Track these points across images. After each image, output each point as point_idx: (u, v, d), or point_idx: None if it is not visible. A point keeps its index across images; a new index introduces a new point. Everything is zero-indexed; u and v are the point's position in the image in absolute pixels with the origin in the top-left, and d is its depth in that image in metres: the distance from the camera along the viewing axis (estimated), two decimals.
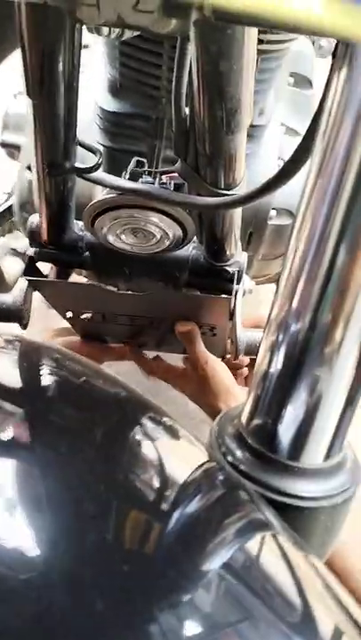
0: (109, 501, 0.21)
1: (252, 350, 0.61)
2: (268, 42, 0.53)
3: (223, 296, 0.59)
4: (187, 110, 0.43)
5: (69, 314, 0.66)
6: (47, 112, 0.44)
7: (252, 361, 0.72)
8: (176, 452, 0.27)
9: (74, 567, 0.18)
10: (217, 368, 0.61)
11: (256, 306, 1.35)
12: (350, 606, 0.20)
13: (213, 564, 0.20)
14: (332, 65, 0.27)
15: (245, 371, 0.71)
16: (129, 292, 0.58)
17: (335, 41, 0.25)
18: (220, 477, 0.25)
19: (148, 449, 0.25)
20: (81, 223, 0.59)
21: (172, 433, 0.27)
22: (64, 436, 0.24)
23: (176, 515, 0.21)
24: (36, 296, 0.63)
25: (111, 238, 0.54)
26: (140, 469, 0.24)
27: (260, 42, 0.49)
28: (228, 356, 0.72)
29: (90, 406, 0.28)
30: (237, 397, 0.60)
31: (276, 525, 0.23)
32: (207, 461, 0.26)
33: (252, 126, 0.61)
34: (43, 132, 0.45)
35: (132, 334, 0.68)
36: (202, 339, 0.66)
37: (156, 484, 0.23)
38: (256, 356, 0.63)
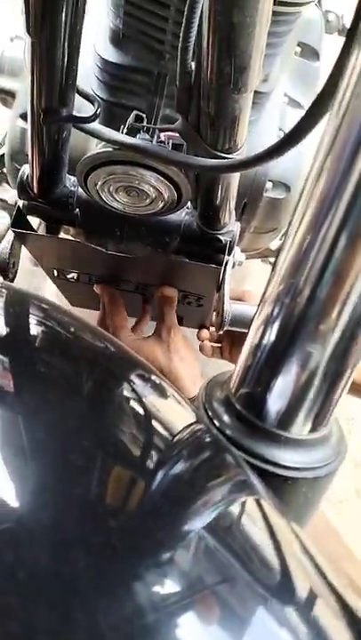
0: (92, 457, 0.20)
1: (237, 323, 0.60)
2: (281, 2, 0.51)
3: (213, 265, 0.58)
4: (193, 65, 0.41)
5: (55, 273, 0.64)
6: (46, 53, 0.41)
7: (234, 334, 0.72)
8: (164, 412, 0.26)
9: (51, 522, 0.17)
10: (185, 337, 0.62)
11: (241, 280, 1.35)
12: (331, 574, 0.20)
13: (195, 524, 0.19)
14: (350, 36, 0.25)
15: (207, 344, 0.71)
16: (117, 254, 0.56)
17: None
18: (207, 439, 0.24)
19: (135, 406, 0.24)
20: (73, 178, 0.57)
21: (161, 392, 0.26)
22: (48, 389, 0.23)
23: (161, 473, 0.20)
24: (24, 254, 0.61)
25: (104, 195, 0.52)
26: (126, 425, 0.23)
27: (274, 2, 0.46)
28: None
29: (77, 360, 0.27)
30: (197, 372, 0.60)
31: (261, 490, 0.22)
32: (195, 422, 0.25)
33: (255, 93, 0.59)
34: (40, 75, 0.43)
35: None
36: (188, 309, 0.65)
37: (142, 441, 0.22)
38: (240, 328, 0.62)
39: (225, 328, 0.58)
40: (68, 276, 0.64)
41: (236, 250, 0.59)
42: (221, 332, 0.60)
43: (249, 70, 0.38)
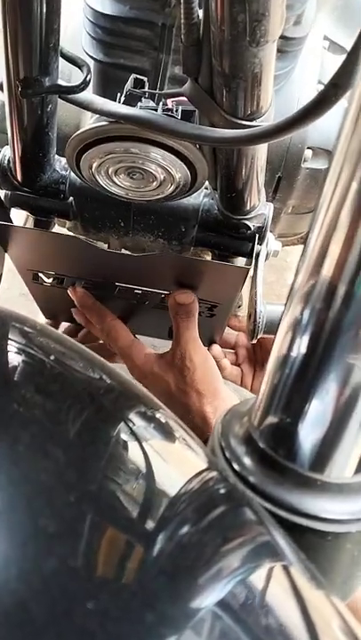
0: (79, 517, 0.20)
1: (275, 329, 0.60)
2: None
3: (239, 265, 0.57)
4: (200, 13, 0.41)
5: (31, 276, 0.63)
6: (20, 11, 0.41)
7: (257, 356, 0.71)
8: (169, 457, 0.26)
9: (23, 600, 0.17)
10: (208, 361, 0.60)
11: (281, 273, 1.34)
12: None
13: (207, 601, 0.19)
14: None
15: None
16: (117, 252, 0.56)
17: None
18: (222, 491, 0.24)
19: (133, 450, 0.24)
20: (64, 160, 0.57)
21: (165, 431, 0.26)
22: (27, 430, 0.24)
23: (163, 537, 0.20)
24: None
25: (101, 179, 0.52)
26: (121, 477, 0.23)
27: None
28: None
29: (64, 393, 0.27)
30: (226, 402, 0.58)
31: (289, 554, 0.22)
32: (206, 469, 0.25)
33: (284, 39, 0.59)
34: (15, 38, 0.43)
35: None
36: None
37: (141, 496, 0.22)
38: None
39: (259, 335, 0.57)
40: (47, 280, 0.64)
41: (270, 237, 0.58)
42: (253, 341, 0.59)
43: (268, 16, 0.37)
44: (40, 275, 0.63)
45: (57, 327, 0.73)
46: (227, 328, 0.70)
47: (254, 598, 0.19)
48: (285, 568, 0.21)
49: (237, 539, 0.21)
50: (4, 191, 0.57)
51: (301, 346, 0.25)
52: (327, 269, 0.24)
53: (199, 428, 0.57)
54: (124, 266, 0.57)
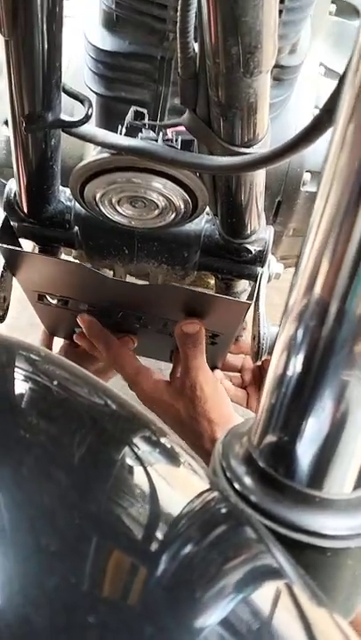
0: (82, 536, 0.21)
1: None
2: None
3: (240, 300, 0.58)
4: (196, 47, 0.42)
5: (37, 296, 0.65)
6: (23, 51, 0.43)
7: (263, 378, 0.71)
8: (171, 478, 0.26)
9: (23, 622, 0.17)
10: (218, 388, 0.60)
11: (286, 295, 1.33)
12: None
13: (208, 620, 0.19)
14: None
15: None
16: (121, 280, 0.57)
17: None
18: (223, 510, 0.24)
19: (135, 472, 0.25)
20: (69, 191, 0.58)
21: (168, 454, 0.27)
22: (33, 454, 0.24)
23: (165, 557, 0.21)
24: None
25: (105, 209, 0.53)
26: (123, 498, 0.23)
27: None
28: None
29: (69, 419, 0.27)
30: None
31: (289, 572, 0.22)
32: (207, 490, 0.25)
33: (280, 67, 0.60)
34: (18, 77, 0.45)
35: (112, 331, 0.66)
36: None
37: (143, 516, 0.22)
38: None
39: (264, 357, 0.58)
40: (53, 301, 0.65)
41: (271, 259, 0.59)
42: (257, 363, 0.59)
43: (261, 48, 0.38)
44: (46, 296, 0.64)
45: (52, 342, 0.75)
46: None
47: (255, 617, 0.20)
48: (286, 586, 0.21)
49: (238, 557, 0.22)
50: (14, 223, 0.59)
51: (297, 364, 0.26)
52: (319, 288, 0.24)
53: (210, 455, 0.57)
54: (128, 294, 0.58)
